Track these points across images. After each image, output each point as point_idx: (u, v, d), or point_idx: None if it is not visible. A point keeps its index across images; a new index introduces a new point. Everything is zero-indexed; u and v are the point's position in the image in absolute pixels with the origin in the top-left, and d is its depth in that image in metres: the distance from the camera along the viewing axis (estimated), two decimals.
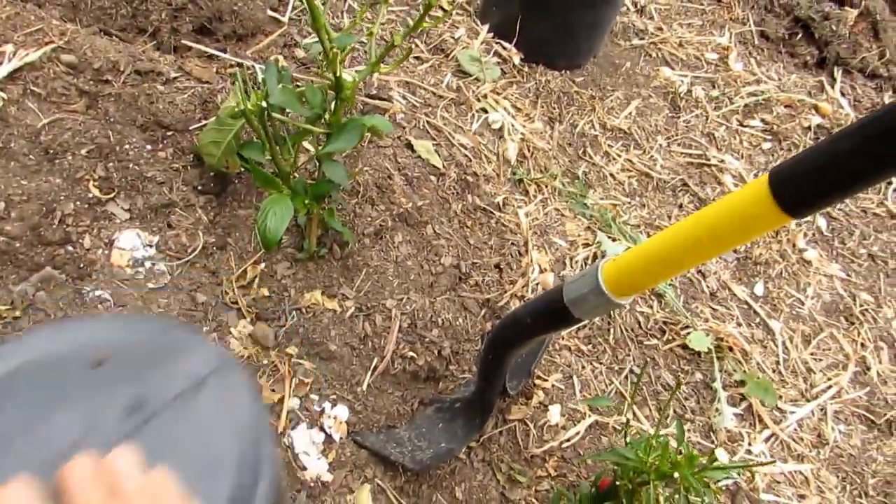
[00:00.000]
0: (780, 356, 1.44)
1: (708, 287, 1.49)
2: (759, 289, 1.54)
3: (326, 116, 1.06)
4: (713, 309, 1.46)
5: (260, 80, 1.40)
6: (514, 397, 1.18)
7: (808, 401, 1.40)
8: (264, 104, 0.98)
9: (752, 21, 2.06)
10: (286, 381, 1.09)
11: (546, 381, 1.22)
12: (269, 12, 1.54)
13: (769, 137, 1.81)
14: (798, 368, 1.45)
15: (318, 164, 1.10)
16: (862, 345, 1.52)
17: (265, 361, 1.10)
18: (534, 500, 1.11)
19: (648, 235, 1.51)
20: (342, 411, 1.09)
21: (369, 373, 1.13)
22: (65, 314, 1.03)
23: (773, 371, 1.42)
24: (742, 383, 1.34)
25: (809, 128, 1.85)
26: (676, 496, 0.92)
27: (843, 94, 1.98)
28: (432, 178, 1.40)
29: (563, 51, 1.70)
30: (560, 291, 0.83)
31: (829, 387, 1.44)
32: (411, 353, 1.15)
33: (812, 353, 1.48)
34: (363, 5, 1.36)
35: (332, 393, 1.10)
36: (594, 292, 0.78)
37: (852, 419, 1.42)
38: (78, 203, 1.15)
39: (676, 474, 0.87)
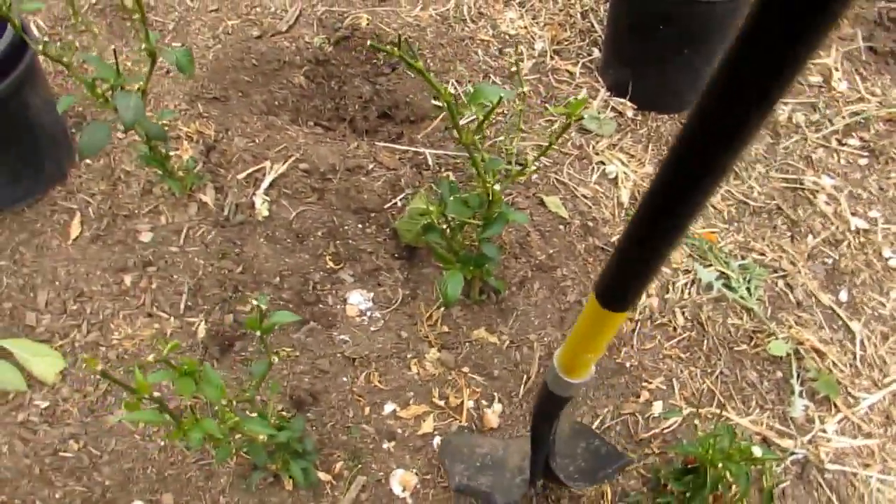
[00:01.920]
0: (857, 353, 1.76)
1: (795, 297, 1.82)
2: (843, 295, 1.84)
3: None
4: (798, 316, 1.79)
5: (431, 164, 1.91)
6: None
7: (879, 389, 1.72)
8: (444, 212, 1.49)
9: (860, 37, 2.24)
10: (464, 391, 1.62)
11: (651, 383, 1.66)
12: (433, 101, 2.03)
13: (866, 154, 2.04)
14: (874, 362, 1.75)
15: (478, 243, 1.59)
16: None
17: (449, 378, 1.64)
18: (641, 470, 1.57)
19: (743, 258, 1.86)
20: (497, 407, 1.61)
21: (522, 387, 1.63)
22: (323, 352, 1.63)
23: (850, 366, 1.74)
24: (815, 380, 1.69)
25: None
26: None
27: None
28: (560, 227, 1.84)
29: (670, 101, 2.04)
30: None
31: None
32: None
33: (889, 349, 1.77)
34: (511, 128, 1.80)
35: (494, 397, 1.62)
36: (555, 374, 1.01)
37: None
38: (321, 273, 1.74)
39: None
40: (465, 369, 1.64)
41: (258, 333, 1.14)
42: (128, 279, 1.70)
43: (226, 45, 2.08)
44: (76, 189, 1.84)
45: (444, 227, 1.53)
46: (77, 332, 1.64)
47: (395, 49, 1.13)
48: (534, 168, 1.90)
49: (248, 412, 1.28)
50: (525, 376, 1.64)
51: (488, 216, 1.52)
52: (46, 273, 1.71)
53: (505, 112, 2.00)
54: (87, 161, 1.89)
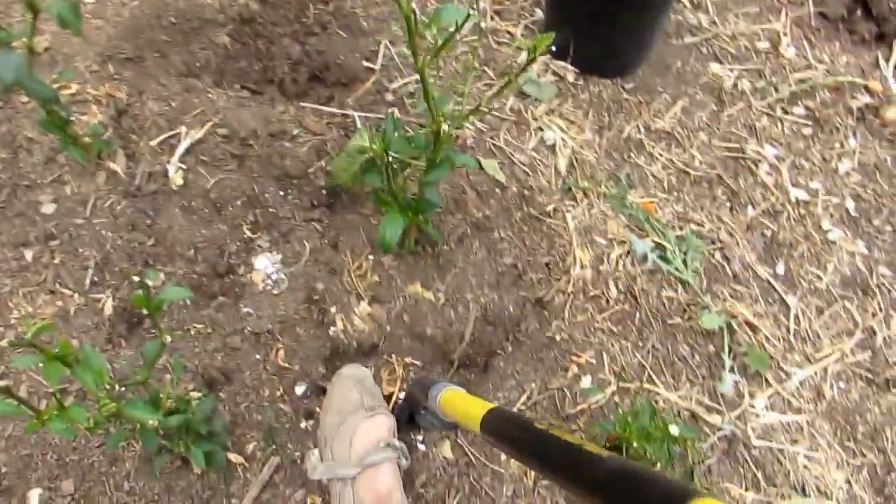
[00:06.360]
0: (790, 327, 1.73)
1: (731, 270, 1.78)
2: (780, 268, 1.80)
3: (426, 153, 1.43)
4: (733, 289, 1.75)
5: (359, 127, 1.81)
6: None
7: (811, 364, 1.69)
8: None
9: (811, 1, 2.17)
10: (397, 373, 1.55)
11: (581, 357, 1.61)
12: (364, 63, 1.92)
13: (810, 123, 1.99)
14: (808, 337, 1.73)
15: (419, 186, 1.49)
16: (873, 314, 1.77)
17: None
18: None
19: (680, 229, 1.81)
20: None
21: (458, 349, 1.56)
22: (233, 329, 1.54)
23: (783, 340, 1.71)
24: (747, 354, 1.66)
25: (853, 109, 2.00)
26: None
27: None
28: (497, 190, 1.77)
29: (614, 65, 1.96)
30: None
31: (834, 351, 1.71)
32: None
33: (823, 323, 1.75)
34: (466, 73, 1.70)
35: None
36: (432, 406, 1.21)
37: (853, 378, 1.70)
38: (238, 243, 1.65)
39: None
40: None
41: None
42: (28, 254, 1.59)
43: (143, 2, 1.94)
44: None
45: (386, 166, 1.42)
46: None
47: None
48: (473, 122, 1.81)
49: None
50: (459, 337, 1.58)
51: (433, 158, 1.42)
52: None
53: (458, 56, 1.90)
54: None
